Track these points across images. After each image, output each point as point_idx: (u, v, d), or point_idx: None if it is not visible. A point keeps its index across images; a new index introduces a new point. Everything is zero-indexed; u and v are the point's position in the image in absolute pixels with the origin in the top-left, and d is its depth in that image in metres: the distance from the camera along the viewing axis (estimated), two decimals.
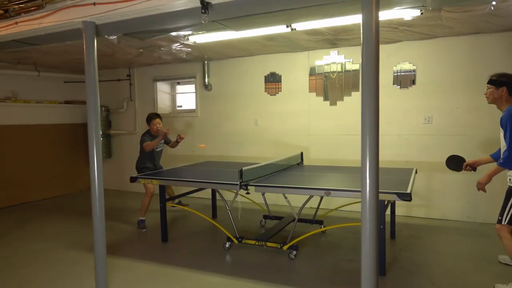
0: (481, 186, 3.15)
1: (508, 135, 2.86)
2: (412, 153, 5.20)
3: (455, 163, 3.55)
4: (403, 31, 4.57)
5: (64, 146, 7.28)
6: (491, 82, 3.07)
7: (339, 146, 5.61)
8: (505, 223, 2.93)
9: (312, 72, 5.76)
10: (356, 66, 5.46)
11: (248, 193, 3.69)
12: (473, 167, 3.43)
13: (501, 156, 2.98)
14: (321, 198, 4.42)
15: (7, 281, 3.44)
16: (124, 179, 6.42)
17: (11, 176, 6.42)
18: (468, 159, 4.80)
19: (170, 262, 3.79)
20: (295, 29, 3.96)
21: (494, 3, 3.39)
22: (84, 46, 2.90)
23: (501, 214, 2.97)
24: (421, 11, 3.42)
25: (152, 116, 5.06)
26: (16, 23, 3.30)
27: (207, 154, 6.55)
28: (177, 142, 5.17)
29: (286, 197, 3.91)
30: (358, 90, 5.46)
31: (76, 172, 7.48)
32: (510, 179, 2.97)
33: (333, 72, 5.62)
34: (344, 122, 5.56)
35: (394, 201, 4.11)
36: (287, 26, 3.90)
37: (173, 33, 4.22)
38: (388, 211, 3.78)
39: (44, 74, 6.70)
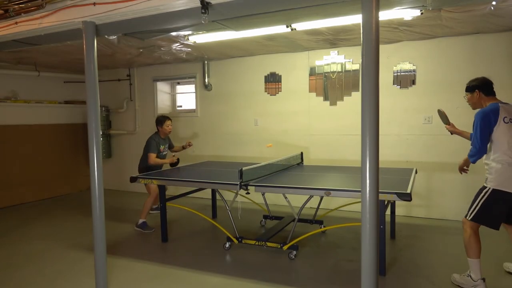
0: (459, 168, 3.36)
1: (474, 134, 3.01)
2: (412, 153, 5.20)
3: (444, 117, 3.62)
4: (403, 31, 4.57)
5: (64, 146, 7.28)
6: (466, 89, 3.23)
7: (339, 146, 5.61)
8: (469, 219, 2.97)
9: (312, 72, 5.76)
10: (356, 66, 5.46)
11: (248, 193, 3.69)
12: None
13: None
14: (321, 198, 4.42)
15: (7, 281, 3.45)
16: (124, 179, 6.43)
17: (11, 176, 6.42)
18: None
19: (170, 262, 3.79)
20: (295, 29, 3.96)
21: (494, 3, 3.39)
22: (84, 46, 2.90)
23: (468, 209, 3.03)
24: (421, 11, 3.42)
25: (165, 119, 5.10)
26: (16, 23, 3.30)
27: (207, 154, 6.55)
28: (183, 148, 5.31)
29: (286, 197, 3.91)
30: (358, 90, 5.45)
31: (76, 172, 7.48)
32: (486, 179, 3.00)
33: (333, 72, 5.62)
34: (344, 122, 5.56)
35: (394, 201, 4.12)
36: (287, 26, 3.89)
37: (173, 33, 4.22)
38: (388, 211, 3.78)
39: (44, 74, 6.70)
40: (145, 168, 4.97)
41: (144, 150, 5.04)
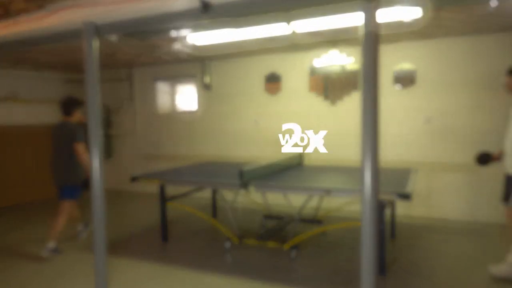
0: None
1: None
2: (412, 153, 5.20)
3: (482, 159, 3.50)
4: (403, 31, 4.57)
5: None
6: (509, 72, 3.18)
7: (339, 146, 5.61)
8: None
9: (312, 72, 5.76)
10: (356, 66, 5.46)
11: (248, 192, 3.69)
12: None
13: None
14: (321, 198, 4.42)
15: (7, 281, 3.45)
16: (124, 179, 6.43)
17: (11, 176, 6.42)
18: (468, 159, 4.83)
19: (170, 262, 3.79)
20: (295, 30, 3.95)
21: (494, 3, 3.39)
22: (84, 46, 2.90)
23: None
24: (421, 11, 3.42)
25: (76, 103, 3.87)
26: (16, 23, 3.30)
27: (207, 154, 6.55)
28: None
29: (286, 197, 3.91)
30: (358, 90, 5.46)
31: None
32: None
33: (333, 72, 5.62)
34: (344, 122, 5.56)
35: (394, 201, 4.11)
36: (288, 24, 3.89)
37: (173, 33, 4.22)
38: (388, 211, 3.78)
39: (44, 74, 6.70)
40: (76, 179, 3.91)
41: (68, 148, 3.76)
